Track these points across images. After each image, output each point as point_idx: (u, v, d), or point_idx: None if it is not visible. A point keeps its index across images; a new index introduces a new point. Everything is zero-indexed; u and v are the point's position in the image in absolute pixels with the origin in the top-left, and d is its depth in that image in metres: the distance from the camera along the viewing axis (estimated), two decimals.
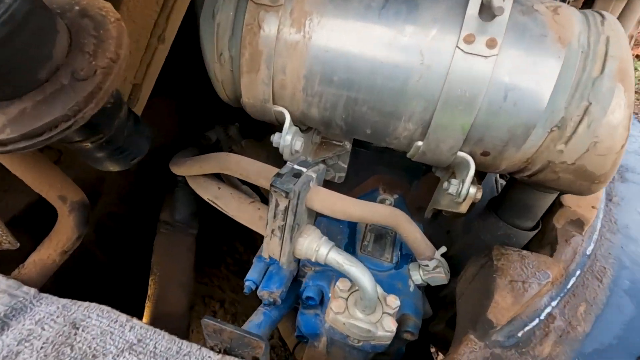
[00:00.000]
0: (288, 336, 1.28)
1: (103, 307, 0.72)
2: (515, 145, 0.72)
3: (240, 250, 1.93)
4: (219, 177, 1.11)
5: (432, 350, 1.77)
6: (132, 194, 1.48)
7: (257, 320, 0.99)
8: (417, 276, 1.02)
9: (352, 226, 1.14)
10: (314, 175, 0.75)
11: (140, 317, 1.22)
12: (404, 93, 0.72)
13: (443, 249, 1.02)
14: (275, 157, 1.06)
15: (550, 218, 1.07)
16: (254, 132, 1.69)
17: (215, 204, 0.94)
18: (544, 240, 1.12)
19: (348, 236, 1.10)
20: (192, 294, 1.19)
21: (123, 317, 0.71)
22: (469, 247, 1.15)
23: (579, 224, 1.07)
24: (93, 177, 1.01)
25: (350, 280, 0.91)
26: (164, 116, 1.48)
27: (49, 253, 0.76)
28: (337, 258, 0.80)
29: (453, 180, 0.80)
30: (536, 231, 1.02)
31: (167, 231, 1.23)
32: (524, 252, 0.89)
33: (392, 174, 1.24)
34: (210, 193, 0.95)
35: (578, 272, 0.90)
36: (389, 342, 0.85)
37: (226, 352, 0.66)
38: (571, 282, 0.91)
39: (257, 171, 0.81)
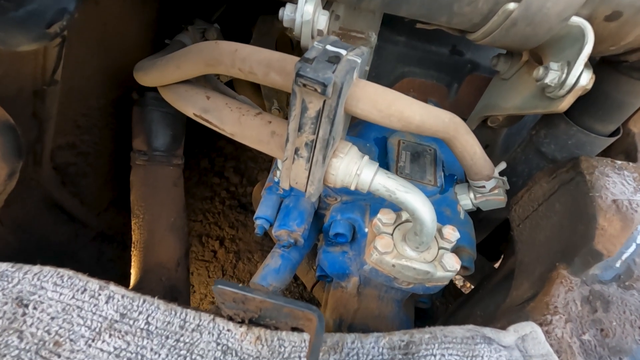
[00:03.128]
0: (304, 274, 1.12)
1: (62, 271, 0.49)
2: None
3: (235, 182, 1.71)
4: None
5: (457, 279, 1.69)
6: (95, 118, 1.17)
7: (274, 264, 0.80)
8: (466, 200, 0.83)
9: (382, 144, 0.91)
10: (359, 61, 0.49)
11: (127, 270, 1.03)
12: None
13: (503, 165, 0.81)
14: None
15: (626, 122, 0.87)
16: (236, 36, 1.35)
17: (206, 120, 0.67)
18: (612, 149, 0.93)
19: (378, 156, 0.88)
20: (186, 237, 0.98)
21: (94, 283, 0.49)
22: (519, 162, 0.96)
23: None
24: (25, 92, 0.72)
25: (396, 211, 0.71)
26: None
27: None
28: (388, 184, 0.58)
29: (553, 64, 0.55)
30: (615, 138, 0.82)
31: (144, 163, 0.97)
32: (619, 162, 0.69)
33: (425, 76, 0.98)
34: (197, 106, 0.68)
35: None
36: (447, 282, 0.68)
37: (251, 322, 0.47)
38: None
39: (267, 61, 0.54)
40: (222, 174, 1.72)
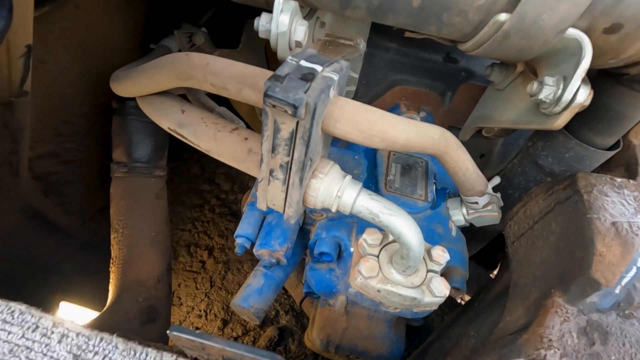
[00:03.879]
0: (293, 288, 1.09)
1: (13, 306, 0.46)
2: None
3: (225, 189, 1.67)
4: (185, 96, 0.79)
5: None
6: (78, 125, 1.13)
7: (256, 284, 0.76)
8: (459, 216, 0.79)
9: (371, 156, 0.87)
10: (336, 78, 0.45)
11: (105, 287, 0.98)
12: None
13: (496, 180, 0.77)
14: None
15: (626, 134, 0.83)
16: (226, 41, 1.30)
17: (181, 135, 0.64)
18: (612, 162, 0.89)
19: (367, 169, 0.84)
20: (169, 251, 0.94)
21: (47, 319, 0.45)
22: (516, 173, 0.92)
23: None
24: None
25: (381, 231, 0.67)
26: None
27: None
28: (371, 206, 0.54)
29: (548, 79, 0.51)
30: (615, 152, 0.78)
31: (124, 175, 0.93)
32: (619, 179, 0.65)
33: (418, 84, 0.94)
34: (172, 120, 0.64)
35: None
36: (436, 307, 0.64)
37: None
38: None
39: (240, 76, 0.50)
40: (213, 180, 1.68)
